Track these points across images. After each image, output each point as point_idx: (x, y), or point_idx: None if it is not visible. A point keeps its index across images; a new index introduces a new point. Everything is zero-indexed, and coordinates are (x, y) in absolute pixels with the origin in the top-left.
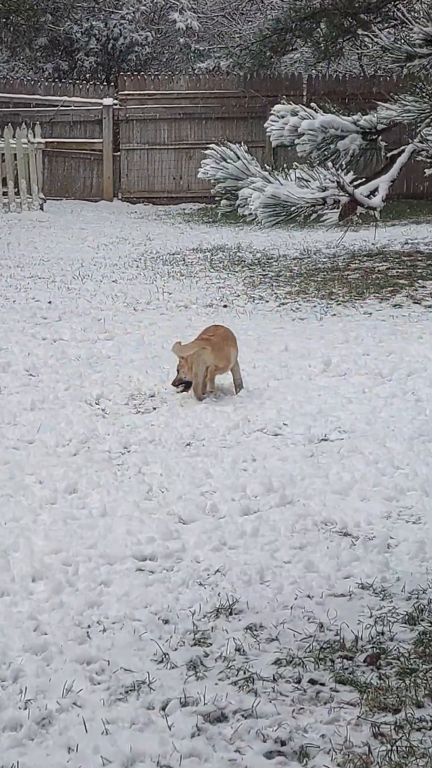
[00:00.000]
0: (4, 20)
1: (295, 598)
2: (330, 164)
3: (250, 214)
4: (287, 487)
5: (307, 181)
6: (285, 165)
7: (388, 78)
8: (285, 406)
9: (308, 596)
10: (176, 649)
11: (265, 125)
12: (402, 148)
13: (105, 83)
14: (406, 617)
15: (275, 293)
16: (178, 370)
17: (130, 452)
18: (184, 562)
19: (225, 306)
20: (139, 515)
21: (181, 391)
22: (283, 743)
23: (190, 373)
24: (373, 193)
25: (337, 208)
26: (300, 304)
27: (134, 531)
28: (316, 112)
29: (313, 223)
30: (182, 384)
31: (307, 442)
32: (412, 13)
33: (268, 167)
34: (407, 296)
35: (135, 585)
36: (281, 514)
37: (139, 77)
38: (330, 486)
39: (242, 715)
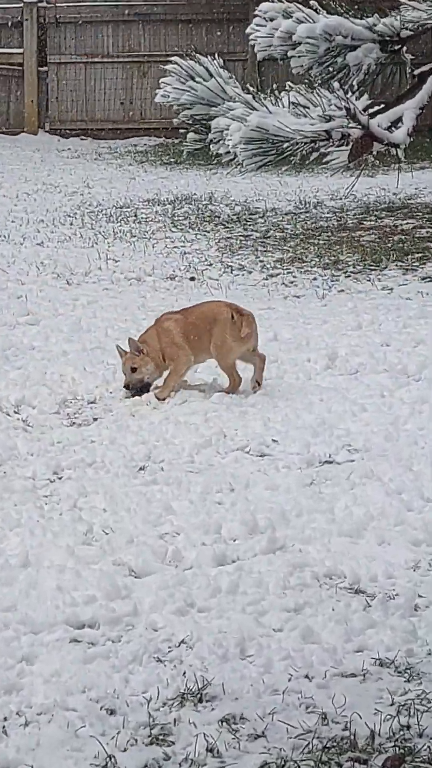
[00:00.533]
0: None
1: (289, 680)
2: (337, 85)
3: (228, 152)
4: (277, 527)
5: (305, 107)
6: (275, 85)
7: None
8: (275, 416)
9: (306, 677)
10: (125, 750)
11: (248, 31)
12: None
13: None
14: None
15: (261, 261)
16: (133, 369)
17: (62, 479)
18: (136, 630)
19: (192, 279)
20: (74, 565)
21: (133, 396)
22: None
23: (156, 371)
24: (395, 124)
25: (347, 145)
26: (295, 277)
27: (67, 587)
28: (318, 13)
29: (314, 165)
30: (137, 388)
31: (305, 465)
32: None
33: (251, 88)
34: None
35: (69, 662)
36: (269, 563)
37: None
38: (336, 525)
39: None
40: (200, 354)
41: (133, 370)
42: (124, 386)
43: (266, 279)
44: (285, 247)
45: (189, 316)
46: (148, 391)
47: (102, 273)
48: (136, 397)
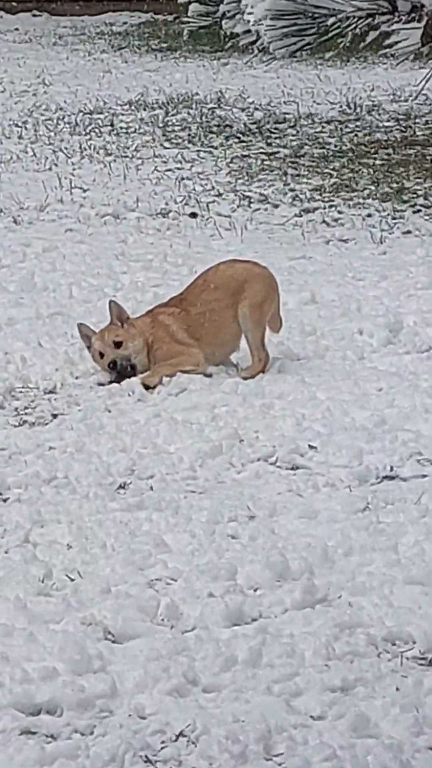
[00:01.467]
0: None
1: None
2: None
3: (247, 32)
4: (317, 572)
5: None
6: None
7: None
8: (312, 412)
9: None
10: None
11: None
12: None
13: None
14: None
15: (292, 190)
16: (117, 343)
17: (8, 502)
18: (114, 718)
19: (194, 215)
20: (25, 625)
21: (110, 383)
22: None
23: (143, 356)
24: None
25: (419, 21)
26: (341, 212)
27: (16, 657)
28: None
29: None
30: (124, 368)
31: (357, 482)
32: None
33: None
34: None
35: (18, 763)
36: (306, 623)
37: None
38: (401, 569)
39: None
40: (220, 346)
41: (117, 344)
42: (109, 365)
43: (299, 215)
44: (326, 170)
45: (191, 306)
46: (134, 374)
47: (64, 208)
48: (114, 385)
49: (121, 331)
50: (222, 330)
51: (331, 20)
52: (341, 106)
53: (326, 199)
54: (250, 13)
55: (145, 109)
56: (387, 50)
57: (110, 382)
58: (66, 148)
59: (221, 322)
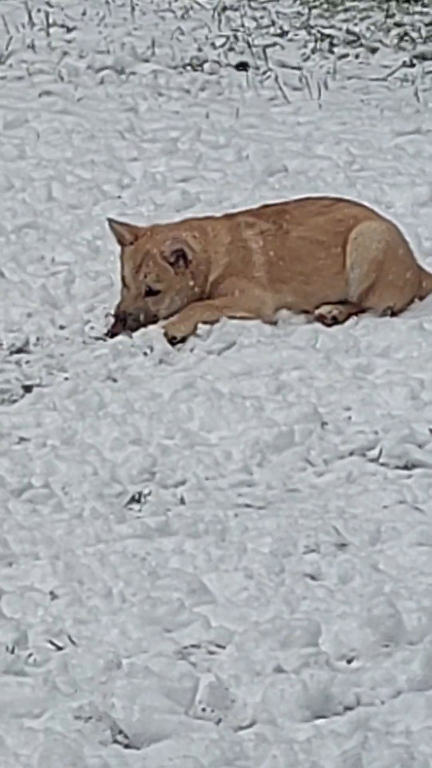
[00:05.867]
0: None
1: None
2: None
3: None
4: None
5: None
6: None
7: None
8: None
9: None
10: None
11: None
12: None
13: None
14: None
15: (399, 24)
16: (152, 290)
17: None
18: None
19: (243, 66)
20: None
21: (113, 336)
22: None
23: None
24: None
25: None
26: None
27: None
28: None
29: None
30: (135, 326)
31: None
32: None
33: None
34: None
35: None
36: None
37: None
38: None
39: None
40: (306, 296)
41: (150, 292)
42: (115, 315)
43: (410, 65)
44: None
45: (293, 226)
46: (154, 322)
47: (37, 57)
48: (121, 339)
49: (170, 275)
50: (323, 275)
51: None
52: None
53: None
54: None
55: None
56: None
57: (111, 333)
58: None
59: (325, 265)
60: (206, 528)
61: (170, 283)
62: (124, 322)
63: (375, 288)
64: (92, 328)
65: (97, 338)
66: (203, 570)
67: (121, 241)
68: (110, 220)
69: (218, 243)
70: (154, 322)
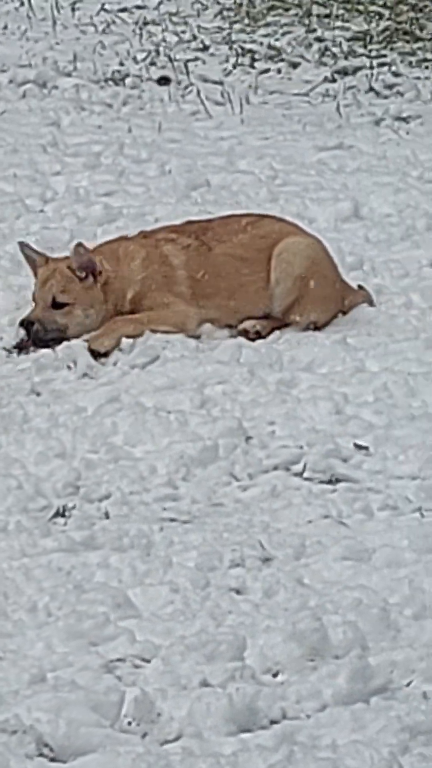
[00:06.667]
0: None
1: None
2: None
3: None
4: (373, 646)
5: None
6: None
7: None
8: (360, 394)
9: None
10: None
11: None
12: None
13: None
14: None
15: (320, 39)
16: (58, 304)
17: None
18: None
19: (164, 80)
20: None
21: (28, 349)
22: None
23: (96, 320)
24: None
25: None
26: (398, 74)
27: None
28: None
29: None
30: (41, 339)
31: None
32: None
33: None
34: None
35: None
36: (357, 726)
37: None
38: None
39: None
40: (230, 311)
41: (57, 305)
42: (21, 324)
43: (332, 80)
44: (374, 7)
45: (216, 242)
46: (65, 340)
47: None
48: (45, 352)
49: (77, 288)
50: (247, 291)
51: None
52: None
53: (374, 54)
54: None
55: None
56: None
57: (19, 347)
58: None
59: (249, 281)
60: (131, 542)
61: (77, 295)
62: (28, 333)
63: (299, 303)
64: (5, 341)
65: (7, 350)
66: (128, 584)
67: (33, 267)
68: (21, 244)
69: (131, 259)
70: (66, 338)
